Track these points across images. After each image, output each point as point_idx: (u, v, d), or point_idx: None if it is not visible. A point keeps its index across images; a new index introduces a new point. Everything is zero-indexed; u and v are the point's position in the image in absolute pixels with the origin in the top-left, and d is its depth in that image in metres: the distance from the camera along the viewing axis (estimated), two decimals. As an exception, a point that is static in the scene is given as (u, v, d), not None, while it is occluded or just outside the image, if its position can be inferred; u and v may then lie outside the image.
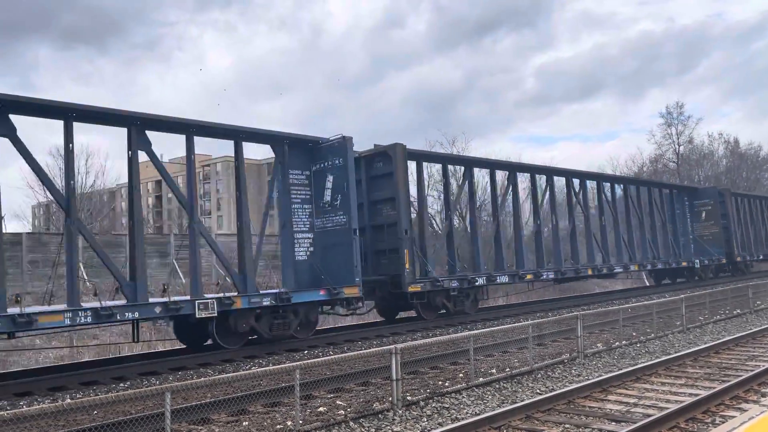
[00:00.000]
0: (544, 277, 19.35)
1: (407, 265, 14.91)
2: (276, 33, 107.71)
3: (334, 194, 13.97)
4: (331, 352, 12.11)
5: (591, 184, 23.16)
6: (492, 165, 19.64)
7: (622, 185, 24.74)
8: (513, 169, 19.81)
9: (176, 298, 11.36)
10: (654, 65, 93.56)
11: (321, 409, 7.69)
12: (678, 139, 52.74)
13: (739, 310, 16.81)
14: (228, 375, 6.94)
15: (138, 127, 11.32)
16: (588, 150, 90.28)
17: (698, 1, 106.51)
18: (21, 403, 8.59)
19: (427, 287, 15.38)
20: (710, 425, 6.54)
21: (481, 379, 9.00)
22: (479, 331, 10.20)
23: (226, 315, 11.73)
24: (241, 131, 12.97)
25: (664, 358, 10.03)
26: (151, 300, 11.16)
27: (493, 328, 10.62)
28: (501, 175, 19.26)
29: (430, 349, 11.13)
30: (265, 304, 12.25)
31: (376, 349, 8.58)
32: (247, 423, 7.26)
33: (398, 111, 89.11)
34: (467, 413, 7.38)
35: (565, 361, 10.38)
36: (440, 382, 9.02)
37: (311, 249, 14.06)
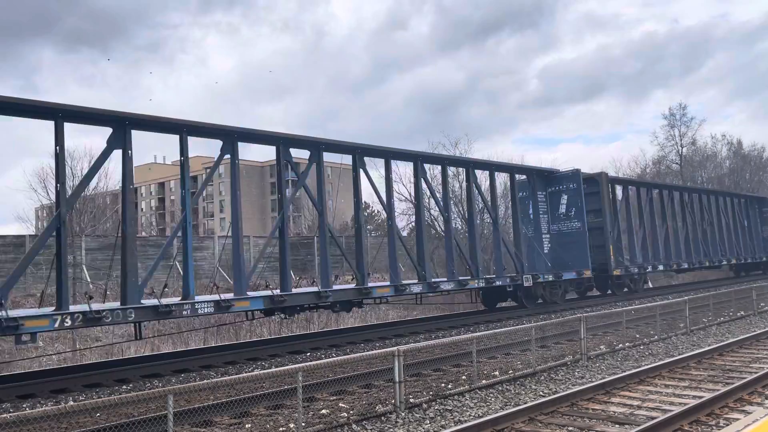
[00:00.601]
0: (684, 267, 26.08)
1: (612, 256, 21.29)
2: (279, 35, 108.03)
3: (568, 207, 20.37)
4: (333, 354, 12.10)
5: (694, 195, 27.96)
6: (651, 185, 26.04)
7: (714, 196, 29.57)
8: (668, 188, 26.74)
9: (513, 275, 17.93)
10: (658, 66, 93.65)
11: (324, 411, 7.69)
12: (681, 140, 52.68)
13: (743, 312, 16.75)
14: (230, 377, 6.93)
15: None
16: (591, 152, 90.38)
17: (703, 2, 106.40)
18: (24, 406, 8.60)
19: (623, 272, 21.81)
20: (714, 428, 6.52)
21: (484, 381, 8.99)
22: (482, 333, 10.18)
23: (535, 285, 18.28)
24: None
25: (667, 360, 10.01)
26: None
27: (496, 330, 10.61)
28: (655, 193, 25.27)
29: (433, 352, 11.12)
30: (548, 279, 18.76)
31: (379, 351, 8.58)
32: (249, 425, 7.25)
33: (401, 113, 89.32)
34: (470, 415, 7.37)
35: (568, 363, 10.36)
36: (443, 385, 9.01)
37: (549, 245, 19.98)
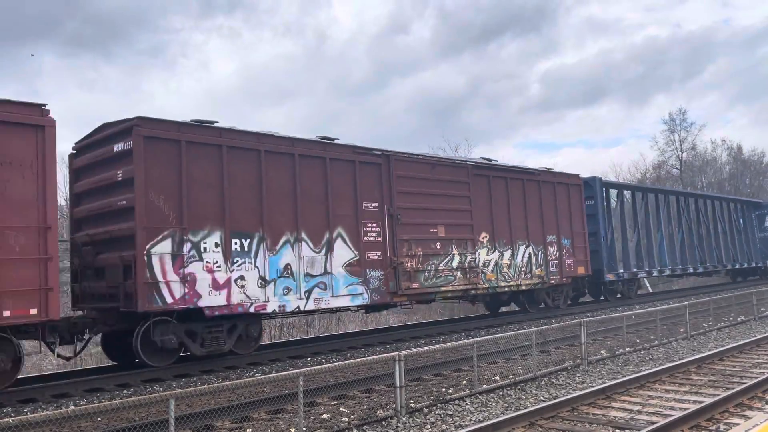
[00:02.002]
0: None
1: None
2: (281, 39, 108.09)
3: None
4: (334, 359, 12.11)
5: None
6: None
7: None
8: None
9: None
10: (659, 71, 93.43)
11: (324, 416, 7.70)
12: (681, 145, 52.75)
13: (743, 317, 16.76)
14: (232, 382, 6.96)
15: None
16: (593, 156, 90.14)
17: (706, 7, 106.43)
18: (25, 410, 8.61)
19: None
20: (714, 432, 6.53)
21: (484, 386, 9.00)
22: (482, 338, 10.19)
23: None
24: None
25: (668, 365, 10.01)
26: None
27: (497, 335, 10.62)
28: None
29: (434, 356, 11.13)
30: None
31: (380, 356, 8.59)
32: (250, 430, 7.27)
33: (402, 117, 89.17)
34: (471, 420, 7.38)
35: (569, 368, 10.37)
36: (444, 389, 9.02)
37: None
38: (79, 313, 11.55)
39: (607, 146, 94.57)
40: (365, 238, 13.40)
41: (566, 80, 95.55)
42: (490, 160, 17.60)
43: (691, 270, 26.29)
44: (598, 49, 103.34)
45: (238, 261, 11.37)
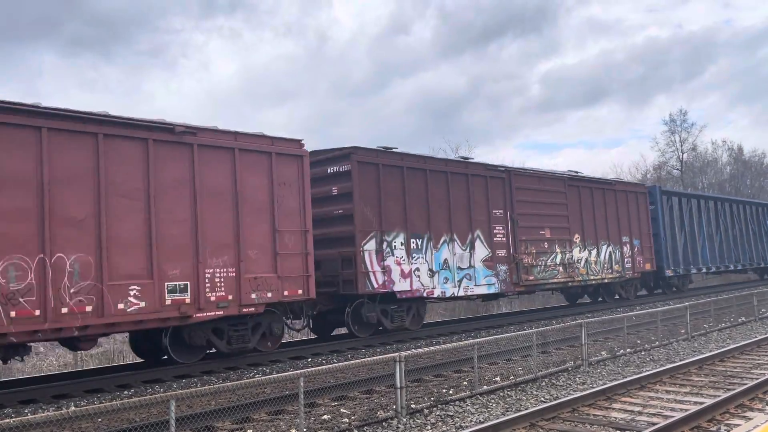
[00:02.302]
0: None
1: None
2: (281, 40, 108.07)
3: None
4: (334, 360, 12.11)
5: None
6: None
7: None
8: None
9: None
10: (660, 71, 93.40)
11: (325, 417, 7.70)
12: (681, 146, 52.76)
13: (744, 318, 16.75)
14: (232, 383, 6.95)
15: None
16: (593, 157, 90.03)
17: (707, 8, 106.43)
18: (26, 411, 8.60)
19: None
20: (715, 434, 6.53)
21: (485, 386, 8.99)
22: (483, 339, 10.19)
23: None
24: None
25: (668, 366, 10.00)
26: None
27: (497, 336, 10.62)
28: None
29: (434, 357, 11.13)
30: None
31: (381, 356, 8.58)
32: (251, 431, 7.26)
33: (403, 118, 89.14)
34: (471, 421, 7.38)
35: (569, 369, 10.36)
36: (444, 390, 9.02)
37: None
38: None
39: (608, 147, 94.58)
40: (495, 239, 16.64)
41: (567, 81, 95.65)
42: (576, 172, 20.66)
43: (732, 267, 28.98)
44: (599, 49, 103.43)
45: (415, 256, 14.64)
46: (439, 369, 10.55)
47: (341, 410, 8.03)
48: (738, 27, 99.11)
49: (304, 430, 6.90)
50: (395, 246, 14.16)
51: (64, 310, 9.15)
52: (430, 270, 14.87)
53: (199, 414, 7.56)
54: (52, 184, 9.17)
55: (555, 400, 8.13)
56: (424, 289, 14.71)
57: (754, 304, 17.24)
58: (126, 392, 9.77)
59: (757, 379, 8.79)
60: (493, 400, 8.39)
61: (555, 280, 18.39)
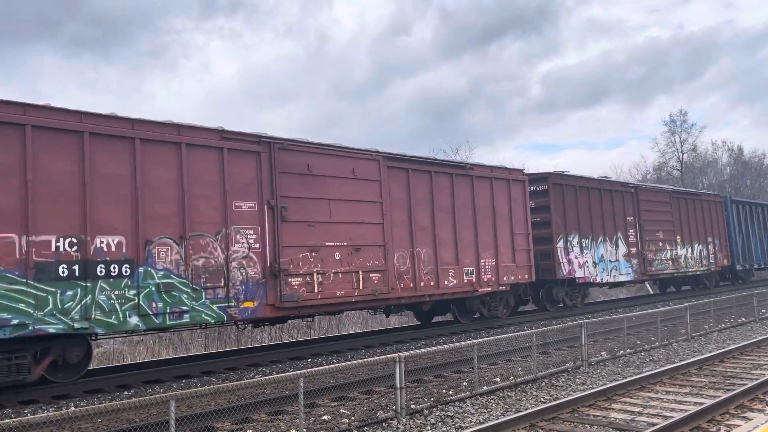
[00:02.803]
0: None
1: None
2: (282, 40, 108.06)
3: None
4: (334, 361, 12.11)
5: None
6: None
7: None
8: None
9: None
10: (661, 72, 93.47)
11: (325, 417, 7.70)
12: (682, 147, 52.77)
13: (743, 319, 16.75)
14: (232, 383, 6.95)
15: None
16: (594, 157, 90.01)
17: (709, 8, 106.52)
18: (26, 411, 8.61)
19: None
20: (715, 434, 6.53)
21: (485, 387, 8.99)
22: (483, 339, 10.19)
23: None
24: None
25: (668, 366, 10.00)
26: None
27: (497, 336, 10.62)
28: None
29: (434, 358, 11.13)
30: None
31: (381, 357, 8.59)
32: (251, 431, 7.26)
33: (403, 118, 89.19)
34: (471, 422, 7.38)
35: (569, 369, 10.36)
36: (444, 391, 9.02)
37: None
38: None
39: (609, 147, 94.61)
40: (629, 239, 21.75)
41: (567, 81, 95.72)
42: (677, 186, 26.04)
43: None
44: (600, 50, 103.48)
45: (585, 252, 19.67)
46: (439, 369, 10.55)
47: (341, 411, 8.03)
48: (739, 27, 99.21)
49: (304, 430, 6.90)
50: (573, 244, 19.21)
51: (422, 284, 14.41)
52: (594, 262, 19.92)
53: (198, 414, 7.56)
54: (413, 205, 14.53)
55: (555, 400, 8.13)
56: (591, 277, 19.77)
57: (754, 305, 17.23)
58: (126, 393, 9.77)
59: (757, 379, 8.79)
60: (492, 401, 8.39)
61: (667, 271, 23.65)
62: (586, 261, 19.61)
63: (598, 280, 20.18)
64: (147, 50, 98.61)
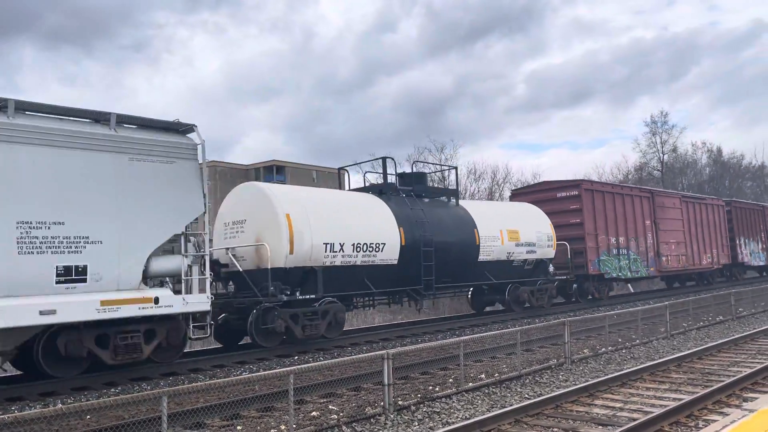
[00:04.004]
0: None
1: None
2: (267, 36, 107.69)
3: None
4: (321, 358, 12.20)
5: None
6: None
7: None
8: None
9: None
10: (644, 72, 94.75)
11: (314, 413, 7.80)
12: (662, 147, 53.54)
13: (721, 317, 17.12)
14: (223, 380, 7.03)
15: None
16: (577, 157, 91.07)
17: (693, 10, 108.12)
18: (13, 408, 8.59)
19: None
20: (693, 429, 6.75)
21: (470, 384, 9.15)
22: (469, 336, 10.35)
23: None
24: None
25: (648, 363, 10.25)
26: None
27: (482, 334, 10.79)
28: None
29: (420, 355, 11.26)
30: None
31: (369, 354, 8.71)
32: (240, 427, 7.34)
33: (389, 116, 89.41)
34: (457, 417, 7.52)
35: (553, 366, 10.56)
36: (431, 387, 9.16)
37: None
38: None
39: (592, 147, 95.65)
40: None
41: (552, 81, 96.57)
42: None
43: None
44: (585, 50, 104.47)
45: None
46: (426, 366, 10.70)
47: (330, 407, 8.13)
48: (722, 29, 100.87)
49: (294, 425, 7.00)
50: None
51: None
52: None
53: (188, 411, 7.61)
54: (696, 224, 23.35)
55: (539, 396, 8.30)
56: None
57: (731, 303, 17.63)
58: (113, 390, 9.77)
59: (733, 376, 9.05)
60: (478, 397, 8.55)
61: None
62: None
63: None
64: (129, 44, 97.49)
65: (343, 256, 13.64)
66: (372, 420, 7.47)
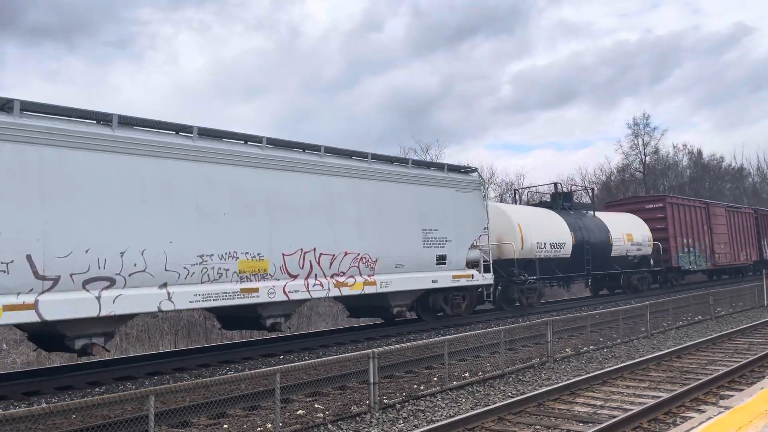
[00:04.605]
0: None
1: None
2: (252, 34, 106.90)
3: None
4: (307, 357, 12.25)
5: None
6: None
7: None
8: None
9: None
10: (628, 75, 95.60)
11: (300, 412, 7.86)
12: (644, 149, 54.19)
13: (700, 317, 17.45)
14: (210, 379, 7.06)
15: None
16: (562, 158, 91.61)
17: (677, 13, 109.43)
18: (-4, 408, 8.54)
19: None
20: (671, 425, 6.91)
21: (455, 382, 9.27)
22: (453, 336, 10.47)
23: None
24: None
25: (629, 362, 10.44)
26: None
27: (467, 333, 10.92)
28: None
29: (405, 354, 11.36)
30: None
31: (355, 353, 8.79)
32: (227, 426, 7.39)
33: (374, 116, 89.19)
34: (442, 415, 7.63)
35: (536, 365, 10.72)
36: (416, 386, 9.26)
37: None
38: None
39: (577, 148, 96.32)
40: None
41: (537, 82, 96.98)
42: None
43: None
44: (570, 51, 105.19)
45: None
46: (411, 365, 10.80)
47: (315, 405, 8.20)
48: (704, 32, 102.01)
49: (280, 424, 7.06)
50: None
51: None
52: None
53: (174, 410, 7.64)
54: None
55: (522, 395, 8.44)
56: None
57: (710, 303, 17.97)
58: (97, 389, 9.75)
59: (711, 374, 9.27)
60: (462, 396, 8.67)
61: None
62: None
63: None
64: (112, 41, 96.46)
65: (545, 252, 20.09)
66: (357, 418, 7.55)
